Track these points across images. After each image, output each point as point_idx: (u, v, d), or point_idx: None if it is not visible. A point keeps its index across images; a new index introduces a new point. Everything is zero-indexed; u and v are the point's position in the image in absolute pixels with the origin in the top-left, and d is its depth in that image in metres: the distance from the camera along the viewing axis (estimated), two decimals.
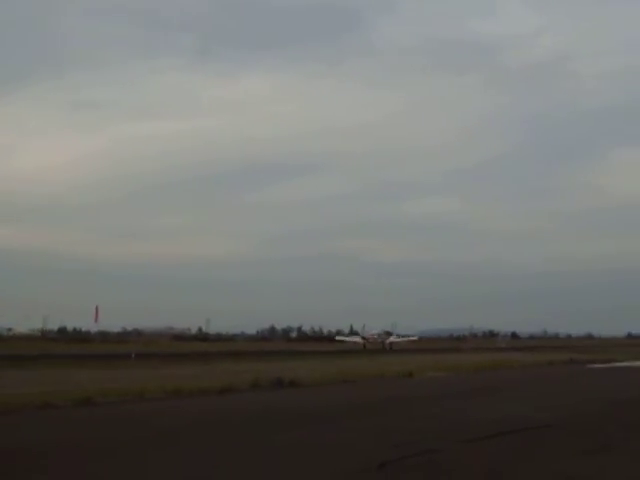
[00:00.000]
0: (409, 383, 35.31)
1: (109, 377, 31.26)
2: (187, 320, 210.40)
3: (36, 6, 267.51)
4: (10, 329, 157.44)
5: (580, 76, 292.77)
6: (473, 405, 24.15)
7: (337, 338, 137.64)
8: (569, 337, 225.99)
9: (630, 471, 12.85)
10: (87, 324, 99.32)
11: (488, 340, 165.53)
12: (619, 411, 22.24)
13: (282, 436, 16.56)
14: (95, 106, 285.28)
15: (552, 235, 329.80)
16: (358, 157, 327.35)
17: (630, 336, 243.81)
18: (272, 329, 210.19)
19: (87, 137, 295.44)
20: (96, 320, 51.45)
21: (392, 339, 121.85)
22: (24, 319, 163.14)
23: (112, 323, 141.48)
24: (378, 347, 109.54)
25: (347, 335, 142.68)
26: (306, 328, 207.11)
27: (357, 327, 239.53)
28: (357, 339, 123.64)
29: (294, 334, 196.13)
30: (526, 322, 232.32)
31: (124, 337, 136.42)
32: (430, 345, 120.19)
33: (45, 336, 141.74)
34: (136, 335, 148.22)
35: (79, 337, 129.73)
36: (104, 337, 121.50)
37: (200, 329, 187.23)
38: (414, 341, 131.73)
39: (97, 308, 51.02)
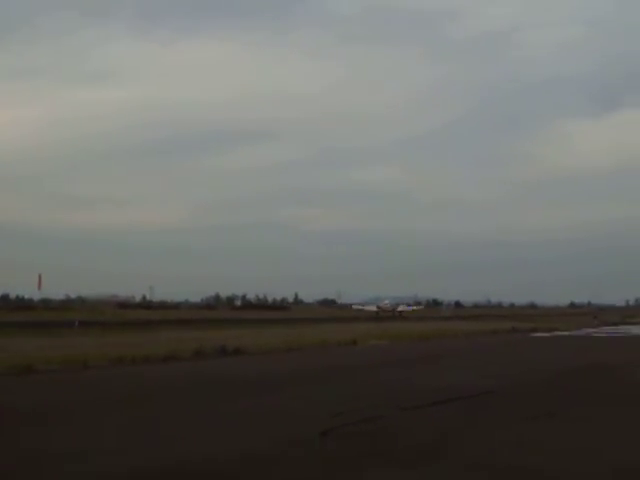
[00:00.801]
0: (353, 351, 35.46)
1: (52, 345, 30.70)
2: (131, 288, 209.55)
3: None
4: None
5: (526, 47, 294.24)
6: (417, 374, 24.28)
7: (354, 306, 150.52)
8: (512, 306, 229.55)
9: (572, 435, 13.05)
10: (30, 292, 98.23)
11: (432, 309, 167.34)
12: (561, 380, 22.55)
13: (225, 404, 16.46)
14: (34, 73, 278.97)
15: (497, 205, 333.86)
16: (303, 125, 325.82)
17: (573, 305, 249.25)
18: (216, 297, 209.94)
19: (25, 105, 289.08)
20: (39, 287, 50.74)
21: (401, 308, 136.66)
22: None
23: (55, 291, 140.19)
24: (389, 315, 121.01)
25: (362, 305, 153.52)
26: (250, 296, 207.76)
27: (302, 295, 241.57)
28: (372, 307, 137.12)
29: (239, 302, 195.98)
30: (470, 291, 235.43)
31: (68, 305, 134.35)
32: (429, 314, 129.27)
33: None
34: (80, 303, 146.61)
35: (22, 305, 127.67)
36: (47, 305, 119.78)
37: (144, 297, 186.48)
38: (419, 310, 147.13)
39: (40, 276, 50.40)
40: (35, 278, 50.84)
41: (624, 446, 12.11)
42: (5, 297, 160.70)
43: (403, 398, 17.22)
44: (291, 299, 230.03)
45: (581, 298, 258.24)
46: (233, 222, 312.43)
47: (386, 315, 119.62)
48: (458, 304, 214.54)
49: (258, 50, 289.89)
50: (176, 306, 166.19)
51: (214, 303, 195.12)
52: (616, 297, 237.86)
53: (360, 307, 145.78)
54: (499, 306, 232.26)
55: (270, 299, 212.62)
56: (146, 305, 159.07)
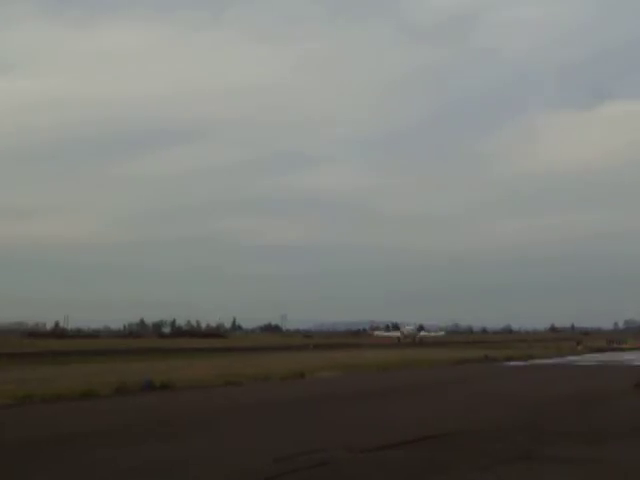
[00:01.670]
0: (299, 384, 35.67)
1: None
2: (41, 314, 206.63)
3: None
4: None
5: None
6: (369, 409, 24.45)
7: (375, 334, 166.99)
8: (484, 331, 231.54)
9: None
10: None
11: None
12: (529, 419, 22.75)
13: (129, 454, 15.61)
14: None
15: (464, 218, 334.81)
16: (241, 124, 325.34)
17: (553, 329, 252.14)
18: (141, 323, 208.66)
19: None
20: None
21: (422, 334, 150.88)
22: None
23: None
24: (409, 341, 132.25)
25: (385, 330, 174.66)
26: (181, 322, 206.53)
27: (241, 320, 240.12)
28: (397, 334, 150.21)
29: (167, 329, 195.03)
30: (435, 315, 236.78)
31: None
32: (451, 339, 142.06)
33: None
34: None
35: None
36: None
37: (57, 324, 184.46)
38: (440, 336, 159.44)
39: None
40: None
41: None
42: None
43: (353, 438, 17.37)
44: (228, 325, 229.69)
45: (563, 321, 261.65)
46: (159, 236, 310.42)
47: (407, 342, 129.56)
48: (421, 328, 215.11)
49: (191, 35, 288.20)
50: (95, 334, 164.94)
51: (139, 330, 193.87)
52: (603, 320, 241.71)
53: (382, 333, 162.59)
54: (469, 332, 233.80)
55: (204, 325, 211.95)
56: (59, 333, 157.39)
